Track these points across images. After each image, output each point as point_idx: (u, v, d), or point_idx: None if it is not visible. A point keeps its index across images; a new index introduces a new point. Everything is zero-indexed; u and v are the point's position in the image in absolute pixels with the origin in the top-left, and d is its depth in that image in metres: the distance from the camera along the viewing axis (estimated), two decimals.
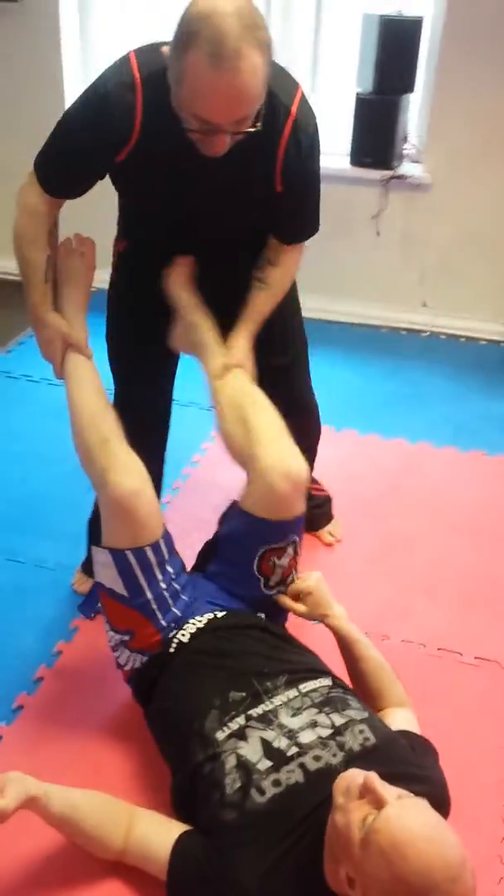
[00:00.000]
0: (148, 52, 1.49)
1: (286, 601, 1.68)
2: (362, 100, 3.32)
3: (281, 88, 1.49)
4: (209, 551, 1.76)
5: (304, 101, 1.53)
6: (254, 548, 1.66)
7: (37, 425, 2.81)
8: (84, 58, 3.67)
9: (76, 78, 3.63)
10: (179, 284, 1.74)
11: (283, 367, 1.93)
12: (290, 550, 1.68)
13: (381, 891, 1.15)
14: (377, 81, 3.25)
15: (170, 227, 1.71)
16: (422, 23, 3.20)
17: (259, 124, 1.41)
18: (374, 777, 1.20)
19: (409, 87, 3.32)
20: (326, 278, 3.60)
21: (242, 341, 1.74)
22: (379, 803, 1.17)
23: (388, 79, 3.24)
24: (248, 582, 1.68)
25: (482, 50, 3.17)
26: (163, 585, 1.59)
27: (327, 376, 3.06)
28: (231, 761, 1.38)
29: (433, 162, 3.42)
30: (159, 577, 1.59)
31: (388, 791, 1.19)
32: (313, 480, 2.22)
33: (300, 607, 1.67)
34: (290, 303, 1.87)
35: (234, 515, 1.70)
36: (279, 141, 1.51)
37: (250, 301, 1.74)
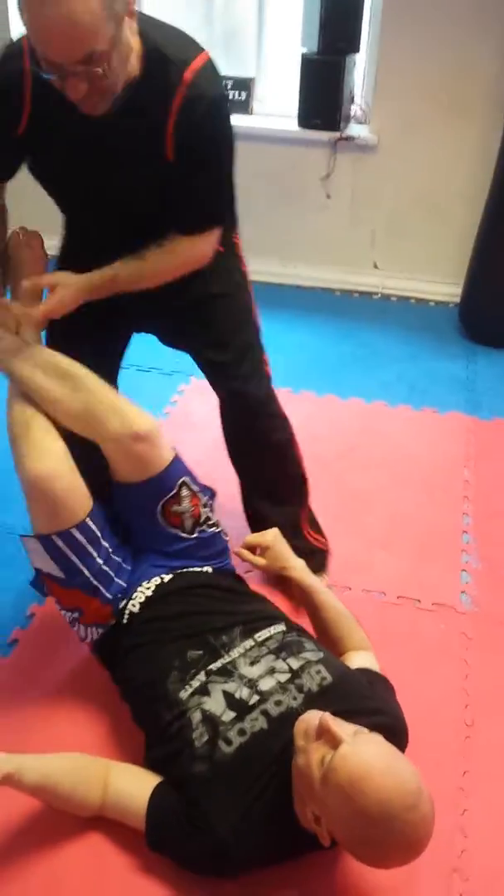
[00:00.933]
0: None
1: (247, 556, 1.72)
2: (308, 60, 3.32)
3: (175, 52, 1.45)
4: (124, 534, 1.74)
5: (205, 69, 1.46)
6: (149, 510, 1.65)
7: None
8: None
9: None
10: None
11: (219, 364, 1.84)
12: (184, 492, 1.66)
13: (344, 824, 1.23)
14: (322, 41, 3.25)
15: (84, 206, 1.67)
16: None
17: (106, 68, 1.33)
18: (328, 717, 1.26)
19: (353, 47, 3.34)
20: (278, 241, 3.64)
21: (64, 290, 1.61)
22: (335, 742, 1.24)
23: (332, 39, 3.25)
24: (170, 539, 1.69)
25: (425, 9, 3.19)
26: (99, 561, 1.59)
27: (283, 339, 3.11)
28: (197, 716, 1.43)
29: (380, 122, 3.45)
30: (94, 553, 1.58)
31: (343, 729, 1.25)
32: (313, 527, 2.10)
33: (260, 560, 1.71)
34: (231, 297, 1.81)
35: (115, 491, 1.67)
36: (170, 105, 1.45)
37: (115, 261, 1.61)
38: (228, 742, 1.39)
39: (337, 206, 3.61)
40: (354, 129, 3.49)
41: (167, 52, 1.44)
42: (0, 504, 2.30)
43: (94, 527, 1.58)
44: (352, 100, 3.53)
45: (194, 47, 1.49)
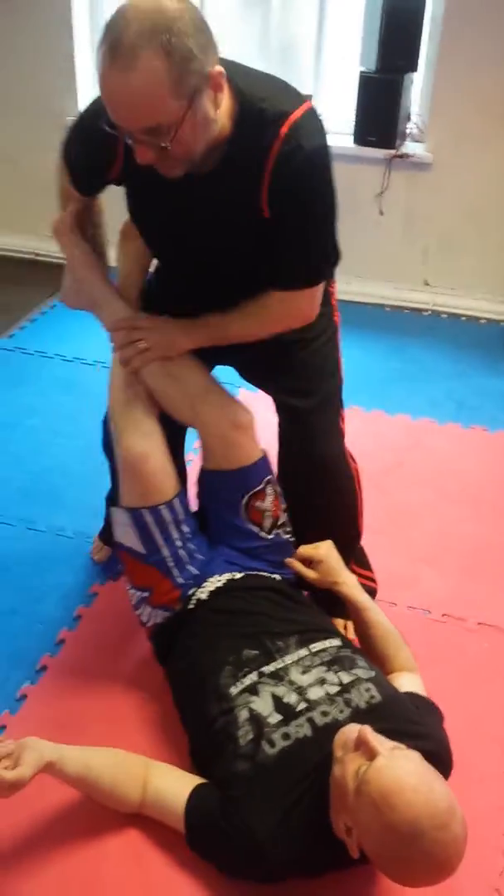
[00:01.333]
0: None
1: (298, 567, 1.74)
2: (366, 78, 3.34)
3: (272, 105, 1.39)
4: (201, 521, 1.80)
5: (303, 120, 1.40)
6: (235, 501, 1.72)
7: (50, 400, 2.86)
8: (94, 39, 3.68)
9: (87, 57, 3.65)
10: (63, 233, 1.70)
11: (299, 410, 1.75)
12: (269, 490, 1.74)
13: (373, 838, 1.23)
14: (380, 60, 3.27)
15: (177, 258, 1.68)
16: (425, 1, 3.23)
17: (167, 142, 1.29)
18: (367, 730, 1.27)
19: (412, 66, 3.35)
20: None
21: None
22: (371, 755, 1.24)
23: (391, 57, 3.27)
24: (246, 535, 1.74)
25: (484, 29, 3.19)
26: (178, 543, 1.67)
27: None
28: (244, 714, 1.45)
29: (435, 141, 3.46)
30: (175, 535, 1.67)
31: (380, 743, 1.26)
32: (361, 564, 2.02)
33: (311, 574, 1.73)
34: (319, 345, 1.76)
35: (205, 478, 1.77)
36: (266, 159, 1.40)
37: (216, 313, 1.61)
38: (272, 744, 1.40)
39: (390, 222, 3.62)
40: (409, 147, 3.51)
41: (263, 106, 1.39)
42: (52, 506, 2.36)
43: (179, 509, 1.67)
44: (408, 117, 3.54)
45: (294, 99, 1.43)
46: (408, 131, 3.56)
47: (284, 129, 1.38)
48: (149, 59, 1.21)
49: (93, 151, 1.51)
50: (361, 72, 3.36)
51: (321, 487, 1.83)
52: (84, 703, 1.77)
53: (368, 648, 1.69)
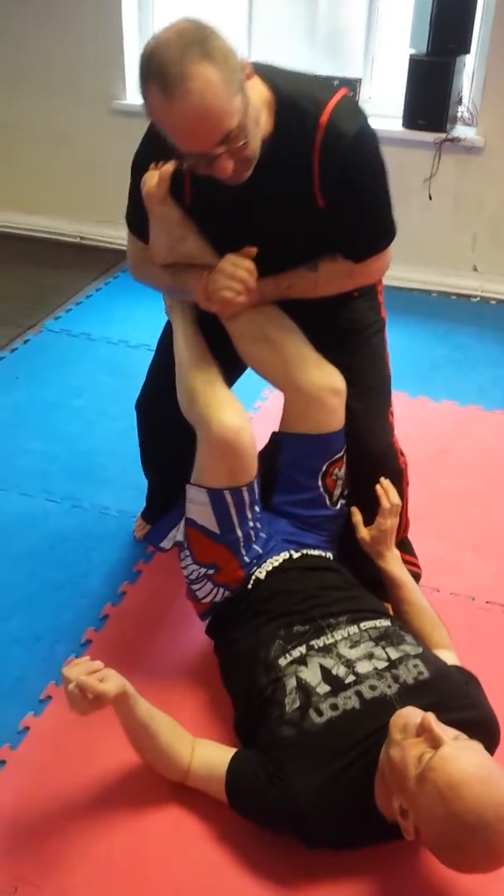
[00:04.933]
0: None
1: (357, 519, 1.77)
2: (416, 61, 3.31)
3: (308, 96, 1.44)
4: (266, 486, 1.78)
5: (340, 108, 1.44)
6: (318, 465, 1.74)
7: (95, 382, 2.90)
8: (142, 25, 3.70)
9: (135, 44, 3.66)
10: (155, 201, 1.57)
11: (349, 410, 1.76)
12: (345, 460, 1.76)
13: (435, 825, 1.23)
14: (432, 42, 3.23)
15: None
16: None
17: (245, 138, 1.35)
18: (431, 717, 1.27)
19: (464, 49, 3.30)
20: None
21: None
22: (435, 743, 1.24)
23: (442, 40, 3.23)
24: (316, 502, 1.76)
25: None
26: (251, 524, 1.66)
27: None
28: (291, 683, 1.47)
29: (487, 125, 3.41)
30: (249, 515, 1.65)
31: (444, 732, 1.26)
32: (405, 550, 1.97)
33: (365, 533, 1.75)
34: (367, 337, 1.80)
35: (286, 443, 1.76)
36: (312, 152, 1.45)
37: (290, 270, 1.64)
38: (319, 713, 1.42)
39: (439, 207, 3.58)
40: (460, 131, 3.45)
41: (299, 99, 1.43)
42: (97, 485, 2.39)
43: (256, 490, 1.66)
44: (459, 101, 3.49)
45: (328, 89, 1.47)
46: (459, 115, 3.51)
47: (324, 120, 1.42)
48: (201, 71, 1.25)
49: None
50: (411, 55, 3.32)
51: (364, 476, 1.81)
52: (128, 677, 1.71)
53: (404, 625, 1.69)
